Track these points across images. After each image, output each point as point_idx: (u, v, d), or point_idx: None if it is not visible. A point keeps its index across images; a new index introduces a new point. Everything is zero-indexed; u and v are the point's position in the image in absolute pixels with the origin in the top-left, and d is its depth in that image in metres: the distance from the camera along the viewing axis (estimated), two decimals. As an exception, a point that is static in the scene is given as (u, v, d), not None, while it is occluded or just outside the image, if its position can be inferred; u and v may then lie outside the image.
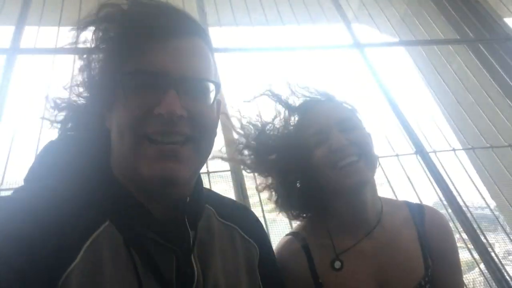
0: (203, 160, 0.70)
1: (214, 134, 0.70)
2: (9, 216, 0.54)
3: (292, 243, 1.08)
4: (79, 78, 0.70)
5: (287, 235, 1.13)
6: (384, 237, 1.04)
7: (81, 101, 0.73)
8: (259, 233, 0.86)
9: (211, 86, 0.66)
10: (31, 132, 1.83)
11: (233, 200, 0.98)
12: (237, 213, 0.85)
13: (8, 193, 0.65)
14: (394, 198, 1.24)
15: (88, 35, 0.67)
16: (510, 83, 2.68)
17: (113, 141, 0.67)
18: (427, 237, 1.06)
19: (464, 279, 1.63)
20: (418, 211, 1.10)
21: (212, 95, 0.66)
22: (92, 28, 0.66)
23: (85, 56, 0.68)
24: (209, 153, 0.72)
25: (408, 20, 3.31)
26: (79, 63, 0.69)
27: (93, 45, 0.66)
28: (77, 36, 0.67)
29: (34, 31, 2.46)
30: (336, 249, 1.05)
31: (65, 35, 0.68)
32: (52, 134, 0.75)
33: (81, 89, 0.72)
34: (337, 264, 1.04)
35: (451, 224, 1.96)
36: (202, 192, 0.75)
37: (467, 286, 1.79)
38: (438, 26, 3.13)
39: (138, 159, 0.62)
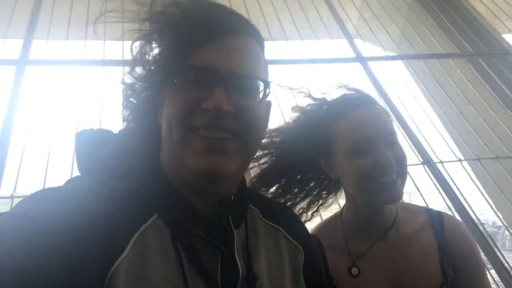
0: (249, 157, 0.70)
1: (261, 132, 0.70)
2: (59, 207, 0.54)
3: None
4: (134, 77, 0.72)
5: None
6: (399, 241, 1.05)
7: (140, 100, 0.74)
8: (303, 235, 0.85)
9: (261, 85, 0.66)
10: (41, 142, 1.84)
11: (276, 200, 0.98)
12: (281, 215, 0.84)
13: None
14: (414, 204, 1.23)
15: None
16: (510, 95, 2.73)
17: (162, 136, 0.67)
18: (446, 244, 1.04)
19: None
20: (437, 218, 1.09)
21: (261, 94, 0.66)
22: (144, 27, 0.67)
23: (140, 54, 0.69)
24: (255, 151, 0.72)
25: (408, 35, 3.39)
26: (133, 63, 0.71)
27: (148, 44, 0.68)
28: (140, 39, 0.68)
29: (42, 44, 2.50)
30: (351, 254, 1.05)
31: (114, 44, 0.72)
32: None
33: (139, 89, 0.73)
34: (355, 271, 1.04)
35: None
36: (246, 191, 0.76)
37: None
38: (437, 40, 3.20)
39: (185, 152, 0.62)
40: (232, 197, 0.70)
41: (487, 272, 1.08)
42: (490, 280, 1.80)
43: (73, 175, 0.71)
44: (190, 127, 0.62)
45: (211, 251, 0.64)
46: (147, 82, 0.72)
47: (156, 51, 0.69)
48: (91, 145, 0.71)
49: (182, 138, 0.62)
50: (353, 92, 1.10)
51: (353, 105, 1.04)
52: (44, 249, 0.48)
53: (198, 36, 0.63)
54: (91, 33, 2.69)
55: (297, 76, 2.85)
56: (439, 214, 1.11)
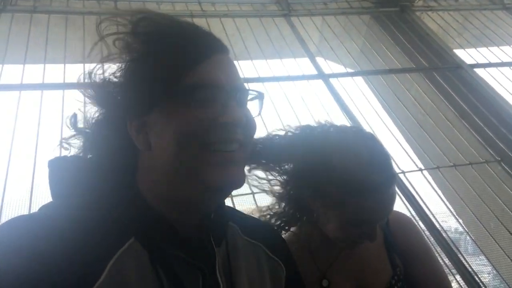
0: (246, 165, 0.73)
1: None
2: (32, 235, 0.54)
3: None
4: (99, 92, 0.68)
5: None
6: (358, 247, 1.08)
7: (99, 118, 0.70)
8: (284, 252, 0.84)
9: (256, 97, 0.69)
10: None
11: (256, 218, 0.97)
12: (262, 231, 0.83)
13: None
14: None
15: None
16: (464, 106, 2.88)
17: (162, 156, 0.63)
18: (393, 237, 1.11)
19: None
20: None
21: (257, 105, 0.70)
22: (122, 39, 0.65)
23: (118, 68, 0.66)
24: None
25: (366, 52, 3.53)
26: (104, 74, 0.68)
27: (131, 56, 0.65)
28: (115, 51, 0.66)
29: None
30: (319, 266, 1.09)
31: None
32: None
33: (98, 107, 0.70)
34: (325, 283, 1.07)
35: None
36: (224, 208, 0.75)
37: None
38: (394, 56, 3.35)
39: (202, 167, 0.61)
40: (212, 215, 0.70)
41: (437, 256, 1.14)
42: (456, 285, 1.86)
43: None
44: (206, 143, 0.61)
45: (192, 271, 0.63)
46: (128, 105, 0.66)
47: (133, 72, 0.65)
48: (64, 171, 0.69)
49: (199, 153, 0.61)
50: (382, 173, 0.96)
51: (372, 188, 0.93)
52: (15, 279, 0.48)
53: (192, 55, 0.63)
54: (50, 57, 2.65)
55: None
56: None
